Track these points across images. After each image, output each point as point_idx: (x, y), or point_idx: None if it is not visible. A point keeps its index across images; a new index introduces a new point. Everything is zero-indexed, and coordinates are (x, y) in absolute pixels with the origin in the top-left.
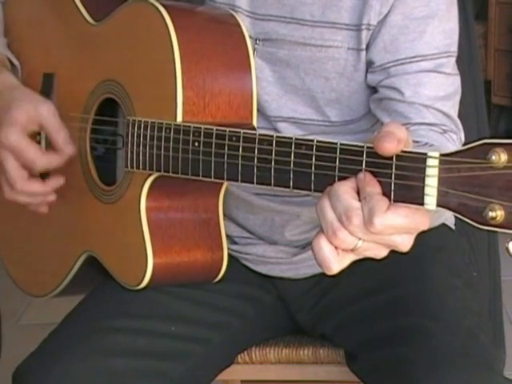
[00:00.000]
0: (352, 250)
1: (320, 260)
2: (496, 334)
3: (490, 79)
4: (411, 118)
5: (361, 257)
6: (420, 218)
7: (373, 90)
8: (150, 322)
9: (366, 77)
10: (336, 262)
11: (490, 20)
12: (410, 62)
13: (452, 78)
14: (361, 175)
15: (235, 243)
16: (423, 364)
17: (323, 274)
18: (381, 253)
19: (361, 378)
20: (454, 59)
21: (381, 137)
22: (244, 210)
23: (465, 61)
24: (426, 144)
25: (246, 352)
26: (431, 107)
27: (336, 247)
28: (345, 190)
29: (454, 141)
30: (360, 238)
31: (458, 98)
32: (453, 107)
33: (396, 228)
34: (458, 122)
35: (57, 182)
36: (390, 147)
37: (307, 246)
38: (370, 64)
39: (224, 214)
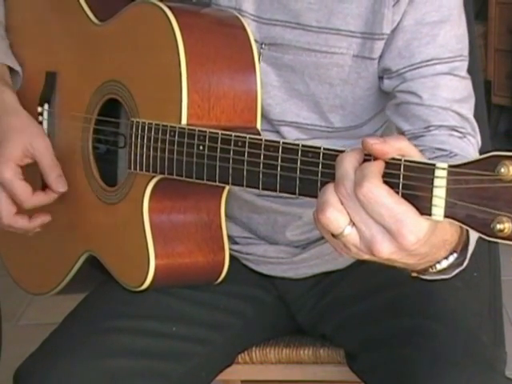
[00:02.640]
0: (337, 237)
1: (322, 200)
2: (496, 333)
3: (490, 79)
4: (431, 121)
5: (344, 252)
6: (415, 224)
7: (377, 96)
8: (150, 323)
9: (371, 84)
10: (334, 210)
11: (490, 20)
12: (426, 66)
13: (465, 82)
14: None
15: (236, 243)
16: (424, 364)
17: (324, 274)
18: (360, 252)
19: (361, 378)
20: (466, 63)
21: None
22: (247, 210)
23: None
24: (449, 153)
25: (246, 352)
26: (449, 109)
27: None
28: (349, 160)
29: (473, 144)
30: (348, 213)
31: (473, 101)
32: (470, 110)
33: (382, 206)
34: (475, 124)
35: (42, 220)
36: (370, 141)
37: (308, 246)
38: (385, 71)
39: (225, 214)
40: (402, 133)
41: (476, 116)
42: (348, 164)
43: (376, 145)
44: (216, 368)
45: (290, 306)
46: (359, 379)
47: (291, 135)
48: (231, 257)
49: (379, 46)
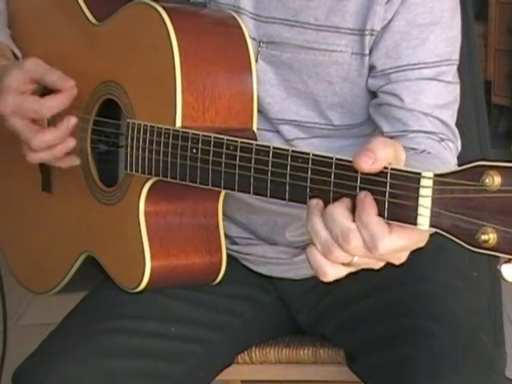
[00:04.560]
0: (348, 264)
1: (315, 267)
2: (496, 333)
3: (490, 79)
4: (409, 125)
5: (357, 268)
6: (420, 235)
7: (375, 94)
8: (149, 323)
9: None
10: (332, 268)
11: (490, 20)
12: (412, 69)
13: (452, 87)
14: (361, 195)
15: (235, 244)
16: (424, 364)
17: None
18: (376, 265)
19: (361, 378)
20: (455, 67)
21: (359, 153)
22: (246, 211)
23: (465, 61)
24: (423, 151)
25: (246, 352)
26: (430, 115)
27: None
28: (340, 211)
29: (451, 149)
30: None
31: (456, 106)
32: (451, 116)
33: (398, 250)
34: (456, 131)
35: (67, 121)
36: (363, 166)
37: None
38: (371, 68)
39: (225, 215)
40: (381, 132)
41: (476, 116)
42: (341, 216)
43: (371, 168)
44: (215, 368)
45: (289, 306)
46: (359, 379)
47: (291, 134)
48: (231, 257)
49: (369, 41)
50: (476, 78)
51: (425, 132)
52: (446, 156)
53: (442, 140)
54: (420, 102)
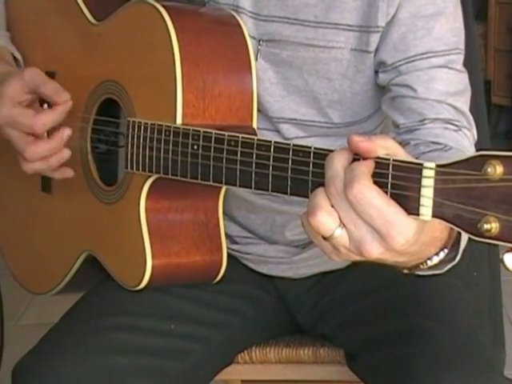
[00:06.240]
0: (327, 239)
1: (312, 204)
2: (496, 333)
3: (490, 79)
4: (426, 114)
5: (333, 255)
6: (404, 226)
7: (375, 91)
8: (149, 321)
9: (369, 78)
10: (325, 212)
11: (490, 20)
12: (421, 59)
13: (461, 75)
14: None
15: (235, 243)
16: (423, 364)
17: (323, 274)
18: (350, 253)
19: (361, 378)
20: (462, 57)
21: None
22: (245, 210)
23: (465, 61)
24: (444, 147)
25: (246, 352)
26: (444, 102)
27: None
28: (339, 159)
29: (468, 138)
30: (336, 211)
31: (468, 94)
32: (465, 103)
33: (371, 207)
34: (471, 118)
35: (61, 133)
36: (355, 137)
37: (307, 245)
38: (381, 64)
39: (225, 214)
40: (396, 126)
41: (476, 116)
42: (338, 163)
43: (361, 142)
44: (215, 367)
45: (289, 305)
46: (359, 379)
47: (290, 133)
48: (231, 256)
49: (375, 39)
50: (476, 78)
51: (442, 120)
52: (465, 146)
53: (459, 129)
54: (433, 90)
